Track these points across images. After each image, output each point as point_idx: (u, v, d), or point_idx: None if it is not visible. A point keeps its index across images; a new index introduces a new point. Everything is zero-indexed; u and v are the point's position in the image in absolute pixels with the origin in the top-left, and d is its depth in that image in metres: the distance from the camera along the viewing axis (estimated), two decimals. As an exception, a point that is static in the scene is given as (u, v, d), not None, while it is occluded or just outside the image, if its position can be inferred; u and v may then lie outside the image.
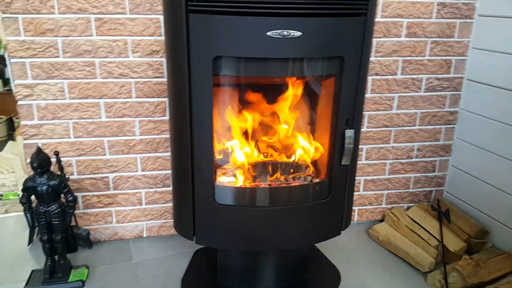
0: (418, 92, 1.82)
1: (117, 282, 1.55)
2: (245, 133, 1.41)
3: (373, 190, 1.93)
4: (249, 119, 1.39)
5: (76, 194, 1.51)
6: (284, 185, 1.36)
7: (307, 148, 1.41)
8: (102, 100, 1.60)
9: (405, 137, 1.87)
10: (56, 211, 1.45)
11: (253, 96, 1.39)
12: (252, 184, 1.35)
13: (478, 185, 1.81)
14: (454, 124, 1.91)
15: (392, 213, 1.88)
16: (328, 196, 1.33)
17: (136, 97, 1.62)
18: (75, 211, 1.63)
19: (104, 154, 1.66)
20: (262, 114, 1.41)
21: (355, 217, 1.96)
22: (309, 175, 1.40)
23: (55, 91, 1.56)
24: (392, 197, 1.96)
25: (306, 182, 1.38)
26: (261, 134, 1.44)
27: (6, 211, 1.95)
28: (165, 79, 1.61)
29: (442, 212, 1.79)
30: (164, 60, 1.59)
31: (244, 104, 1.39)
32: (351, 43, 1.21)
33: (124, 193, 1.73)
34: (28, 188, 1.42)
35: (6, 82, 3.53)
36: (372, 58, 1.72)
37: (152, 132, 1.67)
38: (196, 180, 1.25)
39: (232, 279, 1.49)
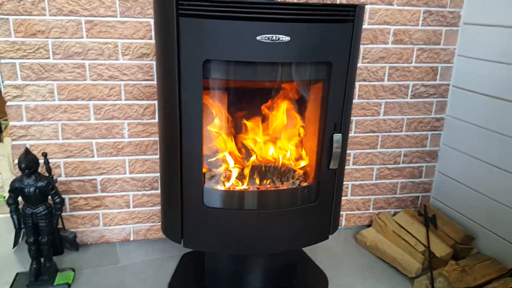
0: (405, 98, 1.84)
1: (104, 285, 1.54)
2: (234, 137, 1.42)
3: (360, 195, 1.95)
4: (238, 123, 1.40)
5: (63, 196, 1.50)
6: (273, 188, 1.37)
7: (295, 152, 1.43)
8: (91, 102, 1.60)
9: (392, 143, 1.90)
10: (43, 213, 1.44)
11: (242, 100, 1.40)
12: (241, 187, 1.36)
13: (464, 191, 1.83)
14: (440, 130, 1.93)
15: (379, 218, 1.89)
16: (316, 200, 1.34)
17: (126, 100, 1.62)
18: (62, 213, 1.62)
19: (93, 156, 1.66)
20: (251, 118, 1.42)
21: (343, 222, 1.98)
22: (297, 179, 1.41)
23: (45, 93, 1.56)
24: (379, 202, 1.98)
25: (294, 186, 1.38)
26: (250, 137, 1.45)
27: (-8, 213, 1.92)
28: (154, 82, 1.62)
29: (428, 218, 1.81)
30: (153, 63, 1.60)
31: (233, 108, 1.40)
32: (339, 48, 1.23)
33: (111, 196, 1.73)
34: (15, 189, 1.41)
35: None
36: (359, 64, 1.74)
37: (141, 134, 1.67)
38: (184, 182, 1.26)
39: (220, 283, 1.49)
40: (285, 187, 1.38)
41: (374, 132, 1.86)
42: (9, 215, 1.45)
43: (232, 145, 1.42)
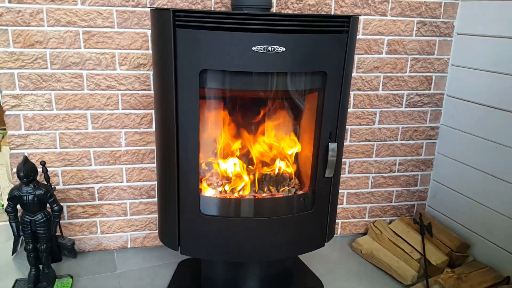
0: (400, 107, 1.86)
1: (101, 292, 1.55)
2: (231, 146, 1.44)
3: (356, 204, 1.96)
4: (235, 132, 1.42)
5: (61, 204, 1.51)
6: (269, 196, 1.38)
7: (290, 161, 1.44)
8: (89, 112, 1.62)
9: (387, 152, 1.91)
10: (42, 220, 1.45)
11: (238, 109, 1.41)
12: (237, 195, 1.37)
13: (459, 199, 1.85)
14: (435, 139, 1.95)
15: (375, 226, 1.90)
16: (312, 208, 1.35)
17: (123, 109, 1.64)
18: (60, 221, 1.62)
19: (90, 165, 1.67)
20: (247, 127, 1.44)
21: (339, 230, 1.99)
22: (293, 187, 1.43)
23: (43, 102, 1.57)
24: (375, 210, 1.99)
25: (290, 194, 1.40)
26: (246, 146, 1.46)
27: (-10, 222, 1.93)
28: (151, 92, 1.64)
29: (424, 226, 1.82)
30: (150, 73, 1.62)
31: (229, 116, 1.41)
32: (334, 58, 1.24)
33: (109, 204, 1.74)
34: (14, 197, 1.42)
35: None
36: (354, 74, 1.76)
37: (138, 143, 1.69)
38: (181, 190, 1.27)
39: (216, 290, 1.50)
40: (281, 195, 1.39)
41: (369, 140, 1.88)
42: (8, 222, 1.47)
43: (229, 153, 1.43)
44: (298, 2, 1.64)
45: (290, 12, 1.64)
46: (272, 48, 1.15)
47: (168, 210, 1.32)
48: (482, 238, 1.74)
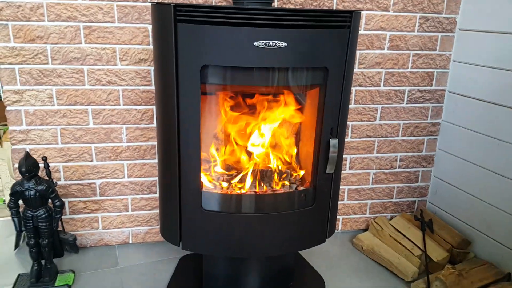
0: (401, 103, 1.86)
1: (103, 287, 1.55)
2: (232, 141, 1.44)
3: (357, 200, 1.96)
4: (235, 127, 1.42)
5: (63, 199, 1.51)
6: (270, 192, 1.38)
7: (290, 156, 1.44)
8: (90, 107, 1.62)
9: (388, 148, 1.91)
10: (44, 216, 1.46)
11: (239, 104, 1.41)
12: (239, 191, 1.37)
13: (460, 195, 1.85)
14: (436, 135, 1.95)
15: (376, 222, 1.91)
16: (313, 204, 1.35)
17: (124, 105, 1.64)
18: (62, 216, 1.62)
19: (92, 160, 1.68)
20: (248, 122, 1.44)
21: (339, 226, 1.99)
22: (294, 183, 1.43)
23: (44, 98, 1.57)
24: (375, 206, 1.99)
25: (291, 190, 1.40)
26: (246, 141, 1.46)
27: (-8, 217, 1.94)
28: (152, 87, 1.64)
29: (425, 222, 1.82)
30: (151, 68, 1.62)
31: (230, 112, 1.41)
32: (335, 54, 1.24)
33: (110, 199, 1.74)
34: (16, 193, 1.42)
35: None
36: (355, 70, 1.76)
37: (139, 139, 1.69)
38: (182, 186, 1.27)
39: (218, 286, 1.50)
40: (282, 191, 1.39)
41: (370, 137, 1.88)
42: (9, 218, 1.47)
43: (230, 149, 1.43)
44: (299, -3, 1.64)
45: (291, 6, 1.64)
46: (274, 43, 1.14)
47: (169, 205, 1.33)
48: (483, 234, 1.74)
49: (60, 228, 1.63)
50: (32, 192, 1.42)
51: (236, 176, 1.40)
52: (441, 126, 1.93)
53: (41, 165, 1.50)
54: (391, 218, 1.97)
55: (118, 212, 1.76)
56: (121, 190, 1.74)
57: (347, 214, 1.97)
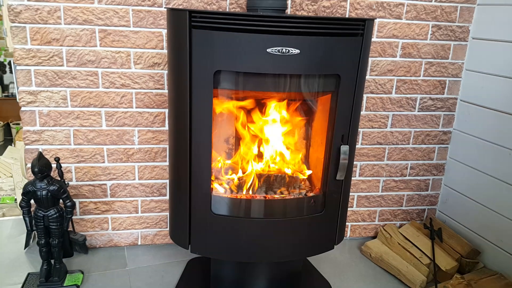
0: (412, 111, 1.85)
1: (111, 288, 1.57)
2: (243, 147, 1.44)
3: (366, 207, 1.96)
4: (247, 133, 1.42)
5: (74, 200, 1.53)
6: (279, 197, 1.39)
7: (301, 163, 1.44)
8: (103, 109, 1.63)
9: (399, 155, 1.91)
10: (55, 216, 1.47)
11: (251, 110, 1.42)
12: (248, 196, 1.38)
13: (470, 205, 1.83)
14: (447, 143, 1.94)
15: (384, 230, 1.90)
16: (322, 210, 1.35)
17: (137, 107, 1.65)
18: (73, 217, 1.64)
19: (103, 162, 1.69)
20: (260, 128, 1.44)
21: (348, 233, 1.98)
22: (304, 189, 1.43)
23: (58, 99, 1.59)
24: (385, 214, 1.99)
25: (301, 196, 1.40)
26: (258, 146, 1.47)
27: (3, 215, 1.96)
28: (165, 91, 1.65)
29: (434, 231, 1.81)
30: (165, 72, 1.63)
31: (242, 118, 1.42)
32: (348, 61, 1.24)
33: (120, 201, 1.76)
34: (28, 192, 1.44)
35: (4, 88, 3.56)
36: (367, 77, 1.76)
37: (150, 141, 1.70)
38: (193, 190, 1.28)
39: (225, 289, 1.51)
40: (292, 197, 1.40)
41: (381, 144, 1.87)
42: (21, 217, 1.49)
43: (241, 154, 1.44)
44: (313, 3, 1.64)
45: (304, 13, 1.65)
46: (287, 50, 1.15)
47: (179, 208, 1.33)
48: (493, 244, 1.73)
49: (70, 229, 1.65)
50: (44, 192, 1.44)
51: (246, 181, 1.40)
52: (453, 134, 1.93)
53: (54, 165, 1.52)
54: (400, 226, 1.96)
55: (128, 214, 1.78)
56: (132, 192, 1.75)
57: (356, 221, 1.97)
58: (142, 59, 1.60)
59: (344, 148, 1.29)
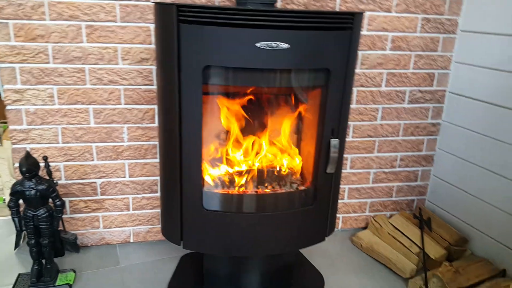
0: (402, 104, 1.86)
1: (104, 286, 1.56)
2: (233, 142, 1.44)
3: (357, 198, 1.97)
4: (237, 128, 1.42)
5: (64, 199, 1.52)
6: (270, 192, 1.39)
7: (292, 157, 1.44)
8: (91, 106, 1.61)
9: (389, 147, 1.92)
10: (44, 215, 1.45)
11: (241, 105, 1.41)
12: (239, 190, 1.38)
13: (458, 194, 1.86)
14: (436, 135, 1.96)
15: (375, 220, 1.92)
16: (313, 203, 1.36)
17: (125, 104, 1.64)
18: (63, 216, 1.63)
19: (92, 160, 1.68)
20: (250, 123, 1.44)
21: (339, 224, 2.00)
22: (295, 183, 1.43)
23: (45, 97, 1.57)
24: (375, 205, 2.00)
25: (291, 189, 1.40)
26: (248, 142, 1.47)
27: (-8, 215, 1.93)
28: (154, 87, 1.63)
29: (423, 221, 1.83)
30: (153, 68, 1.61)
31: (232, 113, 1.42)
32: (337, 55, 1.24)
33: (111, 199, 1.74)
34: (16, 192, 1.42)
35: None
36: (357, 70, 1.76)
37: (140, 138, 1.69)
38: (184, 186, 1.27)
39: (219, 284, 1.51)
40: (283, 191, 1.40)
41: (371, 136, 1.88)
42: (9, 217, 1.47)
43: (231, 149, 1.43)
44: (301, -3, 1.64)
45: (294, 7, 1.64)
46: (276, 45, 1.15)
47: (170, 205, 1.33)
48: (480, 232, 1.76)
49: (61, 228, 1.63)
50: (32, 192, 1.42)
51: (237, 175, 1.40)
52: (441, 126, 1.94)
53: (42, 164, 1.50)
54: (391, 216, 1.97)
55: (119, 211, 1.77)
56: (122, 189, 1.74)
57: (347, 212, 1.98)
58: (130, 55, 1.58)
59: (334, 141, 1.29)
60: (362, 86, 1.80)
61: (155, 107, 1.66)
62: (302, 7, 1.64)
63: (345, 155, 1.85)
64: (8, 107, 1.56)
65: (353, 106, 1.81)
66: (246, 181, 1.40)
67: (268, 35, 1.14)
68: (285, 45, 1.15)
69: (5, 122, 1.71)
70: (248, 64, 1.18)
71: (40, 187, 1.43)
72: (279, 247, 1.38)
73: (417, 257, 1.69)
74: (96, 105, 1.61)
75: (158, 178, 1.75)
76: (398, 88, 1.84)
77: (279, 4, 1.62)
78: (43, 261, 1.53)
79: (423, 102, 1.89)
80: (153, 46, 1.59)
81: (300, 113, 1.43)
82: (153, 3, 1.45)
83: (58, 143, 1.63)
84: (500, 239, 1.67)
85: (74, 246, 1.62)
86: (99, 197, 1.73)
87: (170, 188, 1.32)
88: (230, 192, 1.36)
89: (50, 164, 1.60)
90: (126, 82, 1.61)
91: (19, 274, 1.56)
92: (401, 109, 1.87)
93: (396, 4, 1.72)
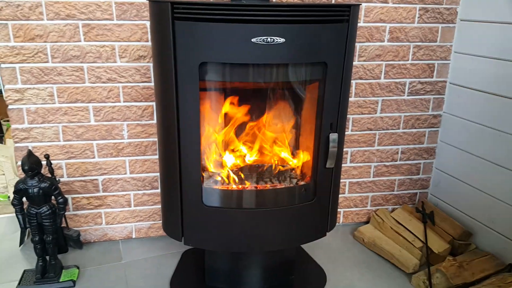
0: (402, 95, 1.85)
1: (107, 282, 1.57)
2: (231, 138, 1.44)
3: (358, 193, 1.97)
4: (235, 124, 1.42)
5: (66, 196, 1.53)
6: (270, 187, 1.39)
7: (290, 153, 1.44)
8: (90, 104, 1.62)
9: (389, 140, 1.91)
10: (47, 212, 1.47)
11: (238, 100, 1.41)
12: (239, 186, 1.38)
13: (461, 187, 1.84)
14: (437, 127, 1.94)
15: (377, 215, 1.91)
16: (313, 199, 1.36)
17: (124, 101, 1.64)
18: (66, 213, 1.64)
19: (93, 157, 1.69)
20: (248, 118, 1.44)
21: (341, 219, 1.99)
22: (295, 178, 1.43)
23: (45, 96, 1.58)
24: (377, 199, 2.00)
25: (291, 185, 1.40)
26: (247, 137, 1.47)
27: (-3, 213, 1.96)
28: (152, 84, 1.64)
29: (426, 214, 1.82)
30: (151, 65, 1.62)
31: (229, 108, 1.42)
32: (334, 49, 1.24)
33: (113, 195, 1.76)
34: (20, 191, 1.44)
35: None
36: (355, 63, 1.75)
37: (140, 135, 1.70)
38: (184, 182, 1.28)
39: (220, 280, 1.52)
40: (283, 186, 1.40)
41: (371, 130, 1.87)
42: (14, 214, 1.49)
43: (230, 145, 1.44)
44: (298, -10, 1.63)
45: (290, 0, 1.63)
46: (272, 40, 1.14)
47: (170, 201, 1.34)
48: (484, 226, 1.74)
49: (64, 224, 1.65)
50: (35, 190, 1.44)
51: (236, 171, 1.41)
52: (443, 118, 1.93)
53: (44, 162, 1.51)
54: (393, 210, 1.97)
55: (121, 208, 1.78)
56: (124, 186, 1.75)
57: (348, 207, 1.98)
58: (127, 53, 1.59)
59: (333, 136, 1.29)
60: (360, 78, 1.79)
61: (154, 104, 1.66)
62: (297, 1, 1.64)
63: (345, 149, 1.84)
64: (10, 106, 1.58)
65: (352, 99, 1.80)
66: (245, 177, 1.40)
67: (264, 30, 1.13)
68: (281, 40, 1.15)
69: (8, 121, 1.73)
70: (244, 60, 1.18)
71: (43, 185, 1.44)
72: (279, 243, 1.38)
73: (420, 252, 1.68)
74: (95, 103, 1.62)
75: (158, 174, 1.76)
76: (397, 80, 1.82)
77: (275, -2, 1.62)
78: (47, 257, 1.55)
79: (423, 93, 1.87)
80: (150, 43, 1.59)
81: (298, 108, 1.43)
82: (148, 1, 1.45)
83: (59, 141, 1.64)
84: (506, 233, 1.65)
85: (77, 242, 1.64)
86: (101, 193, 1.74)
87: (169, 185, 1.32)
88: (229, 188, 1.37)
89: (52, 162, 1.61)
90: (125, 80, 1.62)
91: (25, 270, 1.58)
92: (401, 101, 1.86)
93: (393, -5, 1.71)
